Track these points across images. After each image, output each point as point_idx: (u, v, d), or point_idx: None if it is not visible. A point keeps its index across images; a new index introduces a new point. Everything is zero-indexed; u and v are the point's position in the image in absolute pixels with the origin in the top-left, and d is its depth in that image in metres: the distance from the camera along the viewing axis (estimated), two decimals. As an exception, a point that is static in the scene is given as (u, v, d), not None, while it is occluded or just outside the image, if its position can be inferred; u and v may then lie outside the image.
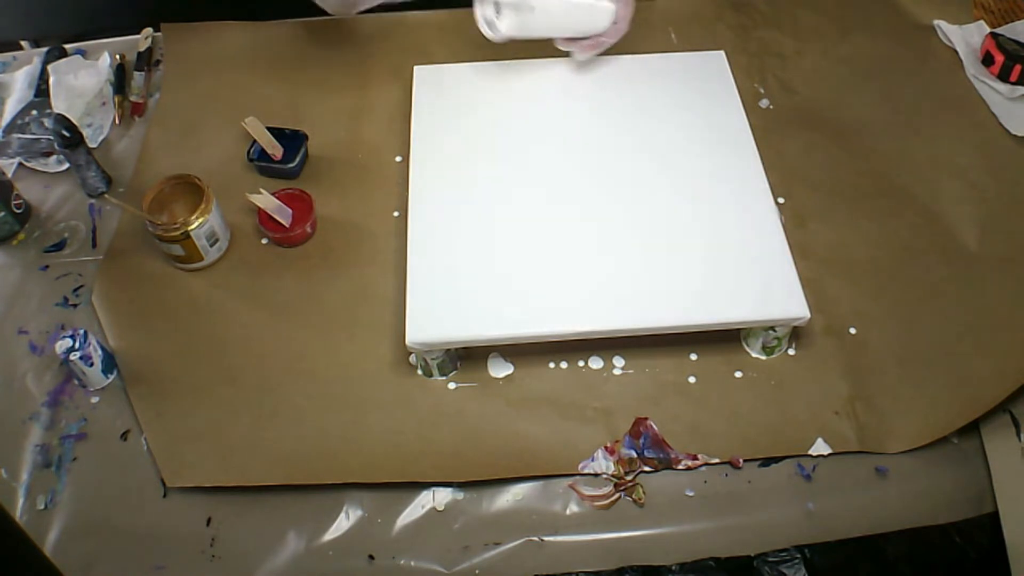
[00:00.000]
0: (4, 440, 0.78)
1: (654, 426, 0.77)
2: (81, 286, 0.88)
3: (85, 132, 0.96)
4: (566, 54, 0.94)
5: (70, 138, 0.89)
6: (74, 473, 0.76)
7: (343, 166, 0.96)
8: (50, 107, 1.00)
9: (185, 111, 1.01)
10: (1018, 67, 1.00)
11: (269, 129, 0.92)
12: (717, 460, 0.76)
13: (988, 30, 1.07)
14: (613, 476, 0.75)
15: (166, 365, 0.81)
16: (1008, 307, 0.84)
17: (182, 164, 0.95)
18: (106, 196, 0.89)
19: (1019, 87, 1.00)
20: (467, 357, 0.81)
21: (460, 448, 0.76)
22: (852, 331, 0.83)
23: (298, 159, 0.93)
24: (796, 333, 0.82)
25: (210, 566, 0.72)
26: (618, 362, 0.81)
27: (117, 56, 1.07)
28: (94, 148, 0.98)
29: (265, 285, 0.87)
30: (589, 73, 0.96)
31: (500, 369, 0.81)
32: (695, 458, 0.76)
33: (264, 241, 0.90)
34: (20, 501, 0.75)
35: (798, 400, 0.79)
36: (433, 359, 0.78)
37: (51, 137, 0.95)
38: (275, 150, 0.89)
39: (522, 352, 0.81)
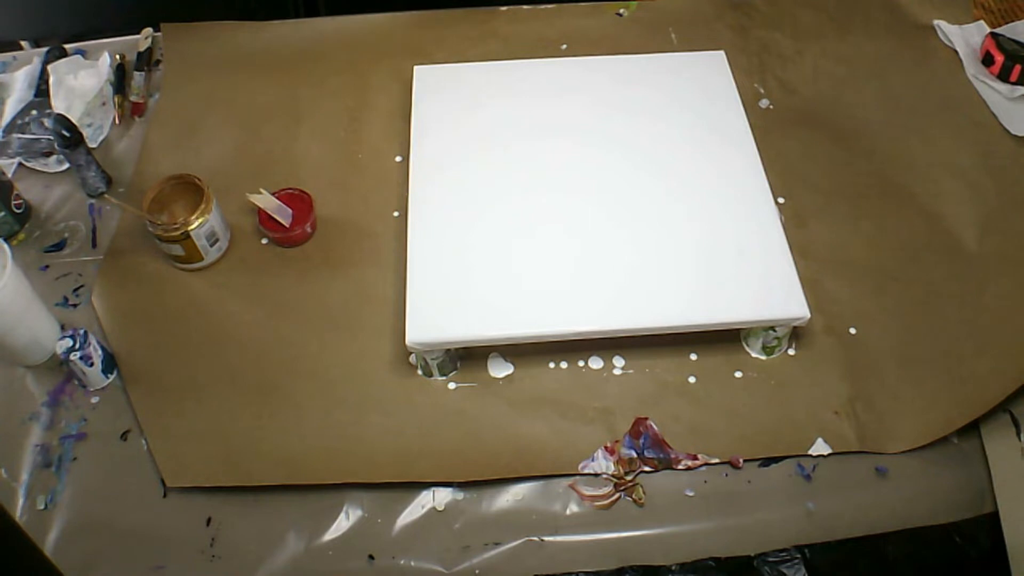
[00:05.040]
0: (4, 440, 0.78)
1: (654, 426, 0.77)
2: (81, 286, 0.88)
3: (85, 132, 0.96)
4: (566, 54, 0.94)
5: (70, 138, 0.89)
6: (74, 473, 0.76)
7: (343, 166, 0.96)
8: (50, 107, 1.00)
9: (185, 111, 1.01)
10: (1018, 67, 1.00)
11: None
12: (717, 460, 0.76)
13: (988, 30, 1.07)
14: (613, 476, 0.75)
15: (166, 365, 0.81)
16: (1008, 307, 0.84)
17: (182, 164, 0.95)
18: (106, 196, 0.89)
19: (1019, 87, 1.00)
20: (467, 357, 0.81)
21: (460, 448, 0.76)
22: (852, 331, 0.83)
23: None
24: (796, 333, 0.82)
25: (210, 566, 0.72)
26: (618, 362, 0.81)
27: (117, 56, 1.07)
28: (94, 148, 0.98)
29: (265, 285, 0.87)
30: (589, 73, 0.96)
31: (500, 369, 0.81)
32: (695, 458, 0.76)
33: (264, 241, 0.90)
34: (20, 501, 0.75)
35: (798, 400, 0.79)
36: (433, 359, 0.78)
37: (51, 137, 0.95)
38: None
39: (522, 352, 0.81)
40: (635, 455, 0.76)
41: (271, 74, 1.04)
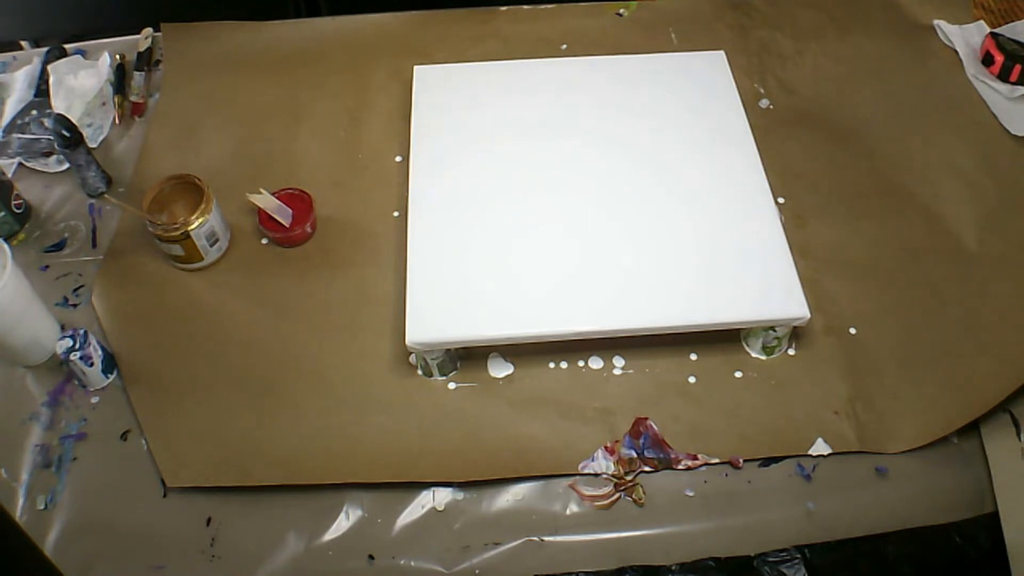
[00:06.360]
0: (4, 440, 0.78)
1: (654, 426, 0.77)
2: (81, 286, 0.88)
3: (85, 132, 0.96)
4: (566, 54, 0.94)
5: (70, 138, 0.89)
6: (74, 473, 0.76)
7: (343, 166, 0.96)
8: (50, 107, 1.00)
9: (185, 111, 1.01)
10: (1018, 67, 1.00)
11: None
12: (717, 460, 0.76)
13: (988, 30, 1.07)
14: (613, 476, 0.75)
15: (166, 365, 0.81)
16: (1008, 307, 0.84)
17: (182, 164, 0.95)
18: (106, 196, 0.89)
19: (1019, 87, 1.00)
20: (467, 357, 0.81)
21: (460, 448, 0.76)
22: (852, 331, 0.83)
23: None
24: (796, 333, 0.82)
25: (210, 566, 0.72)
26: (618, 362, 0.81)
27: (117, 56, 1.07)
28: (94, 148, 0.98)
29: (265, 285, 0.87)
30: (589, 73, 0.96)
31: (500, 369, 0.81)
32: (695, 458, 0.76)
33: (264, 241, 0.90)
34: (20, 501, 0.75)
35: (798, 400, 0.79)
36: (433, 359, 0.78)
37: (51, 137, 0.95)
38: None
39: (522, 352, 0.81)
40: (635, 455, 0.76)
41: (271, 74, 1.04)
